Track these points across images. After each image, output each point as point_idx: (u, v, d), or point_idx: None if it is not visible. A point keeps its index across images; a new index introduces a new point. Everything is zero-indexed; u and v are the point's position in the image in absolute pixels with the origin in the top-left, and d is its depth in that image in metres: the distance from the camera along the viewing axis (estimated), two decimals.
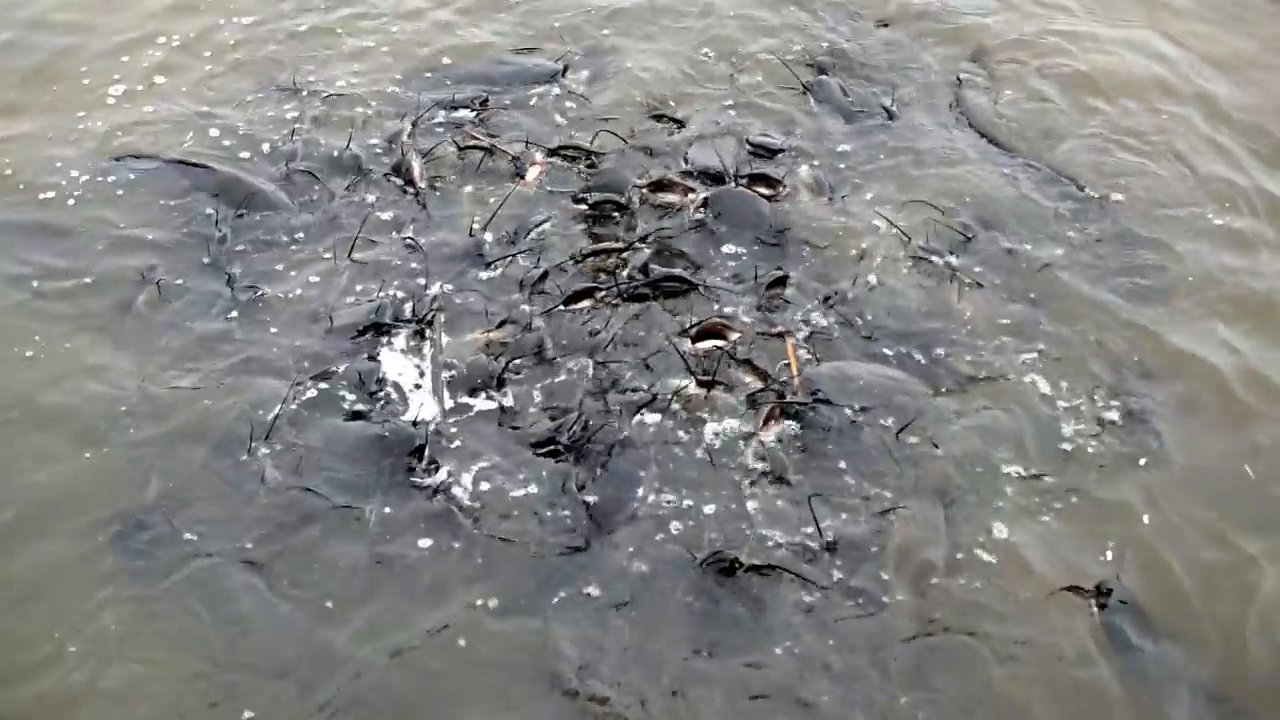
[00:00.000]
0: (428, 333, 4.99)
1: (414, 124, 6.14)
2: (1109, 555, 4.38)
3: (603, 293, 5.21)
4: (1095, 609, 4.19)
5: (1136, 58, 7.19)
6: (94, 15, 6.96)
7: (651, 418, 4.73)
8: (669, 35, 7.13)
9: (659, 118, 6.40)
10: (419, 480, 4.42)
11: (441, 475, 4.44)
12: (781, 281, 5.39)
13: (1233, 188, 6.20)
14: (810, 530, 4.34)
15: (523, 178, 5.89)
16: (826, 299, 5.32)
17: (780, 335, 5.14)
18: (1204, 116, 6.73)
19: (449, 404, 4.73)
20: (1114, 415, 4.89)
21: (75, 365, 4.84)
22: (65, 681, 3.83)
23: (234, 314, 5.10)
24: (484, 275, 5.37)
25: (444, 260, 5.44)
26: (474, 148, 6.05)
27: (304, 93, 6.46)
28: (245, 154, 6.02)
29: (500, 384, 4.84)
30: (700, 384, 4.82)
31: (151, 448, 4.52)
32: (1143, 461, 4.73)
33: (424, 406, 4.69)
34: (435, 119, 6.29)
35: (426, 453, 4.46)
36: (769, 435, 4.68)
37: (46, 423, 4.60)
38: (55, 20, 6.89)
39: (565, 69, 6.71)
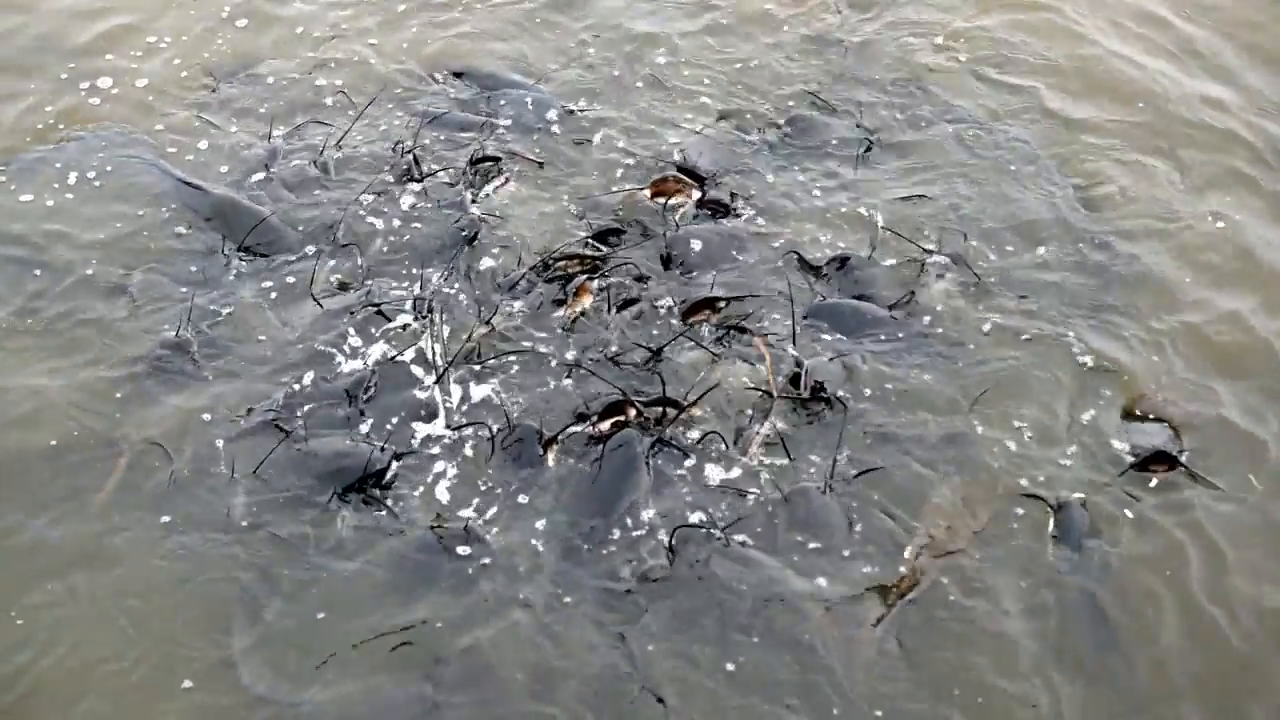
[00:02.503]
0: (429, 326, 5.06)
1: (418, 130, 6.20)
2: None
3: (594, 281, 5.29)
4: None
5: None
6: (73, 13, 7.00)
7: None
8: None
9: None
10: (378, 501, 4.47)
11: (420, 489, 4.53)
12: (710, 304, 5.30)
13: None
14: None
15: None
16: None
17: (744, 330, 5.17)
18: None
19: (454, 399, 4.82)
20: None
21: (54, 367, 4.94)
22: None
23: (218, 322, 5.16)
24: (484, 264, 5.46)
25: (434, 253, 5.52)
26: (488, 158, 6.04)
27: (296, 100, 6.51)
28: (226, 168, 5.99)
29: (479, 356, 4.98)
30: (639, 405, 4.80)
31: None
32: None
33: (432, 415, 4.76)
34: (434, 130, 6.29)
35: (389, 475, 4.51)
36: (753, 451, 4.70)
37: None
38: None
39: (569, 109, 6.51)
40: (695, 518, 4.44)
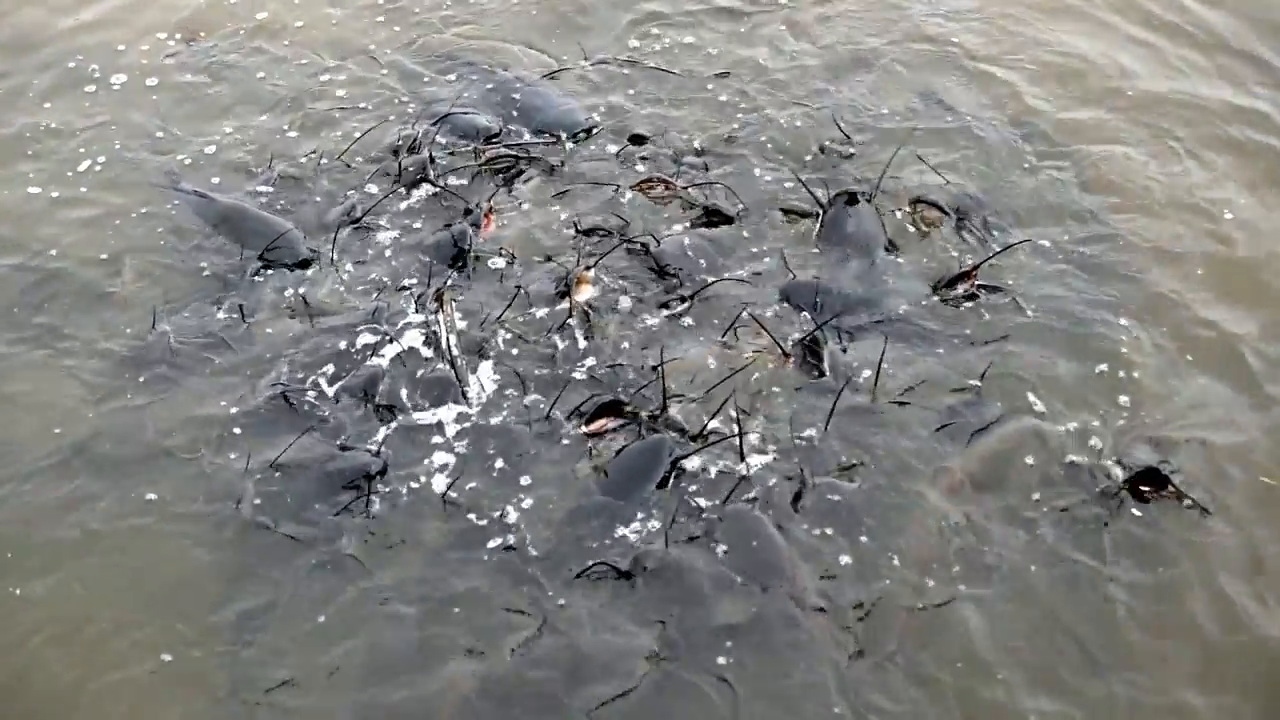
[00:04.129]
0: (441, 316, 5.11)
1: (434, 125, 6.18)
2: None
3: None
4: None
5: None
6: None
7: None
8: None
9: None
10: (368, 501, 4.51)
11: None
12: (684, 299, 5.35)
13: None
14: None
15: (477, 226, 5.68)
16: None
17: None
18: None
19: (472, 385, 4.90)
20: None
21: (54, 362, 5.04)
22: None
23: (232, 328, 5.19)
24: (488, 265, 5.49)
25: (439, 253, 5.53)
26: (498, 158, 6.03)
27: (305, 104, 6.50)
28: (229, 174, 5.99)
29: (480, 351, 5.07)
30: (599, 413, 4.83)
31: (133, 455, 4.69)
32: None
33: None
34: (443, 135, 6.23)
35: (381, 475, 4.56)
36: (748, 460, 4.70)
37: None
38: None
39: (592, 129, 6.32)
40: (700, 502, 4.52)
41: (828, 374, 4.93)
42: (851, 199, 5.68)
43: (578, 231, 5.67)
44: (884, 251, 5.59)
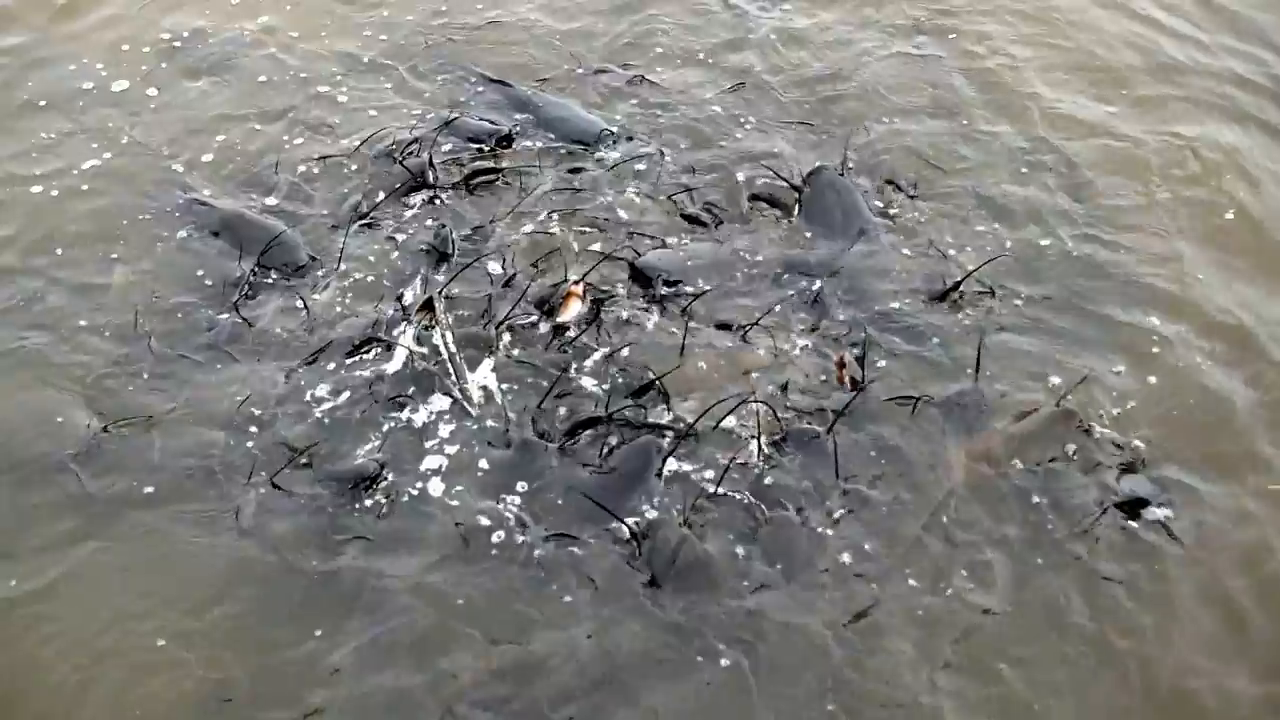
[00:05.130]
0: (438, 321, 5.10)
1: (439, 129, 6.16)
2: None
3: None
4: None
5: None
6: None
7: None
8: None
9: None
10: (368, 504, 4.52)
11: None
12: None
13: None
14: None
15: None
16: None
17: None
18: None
19: (473, 385, 4.92)
20: None
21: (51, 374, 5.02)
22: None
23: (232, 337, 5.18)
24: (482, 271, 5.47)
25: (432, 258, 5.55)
26: (486, 171, 6.01)
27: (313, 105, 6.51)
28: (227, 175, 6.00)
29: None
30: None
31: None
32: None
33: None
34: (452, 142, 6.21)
35: (385, 481, 4.57)
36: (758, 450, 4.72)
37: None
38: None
39: (610, 135, 6.27)
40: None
41: (845, 386, 4.94)
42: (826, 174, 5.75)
43: (577, 232, 5.68)
44: (870, 214, 5.66)
